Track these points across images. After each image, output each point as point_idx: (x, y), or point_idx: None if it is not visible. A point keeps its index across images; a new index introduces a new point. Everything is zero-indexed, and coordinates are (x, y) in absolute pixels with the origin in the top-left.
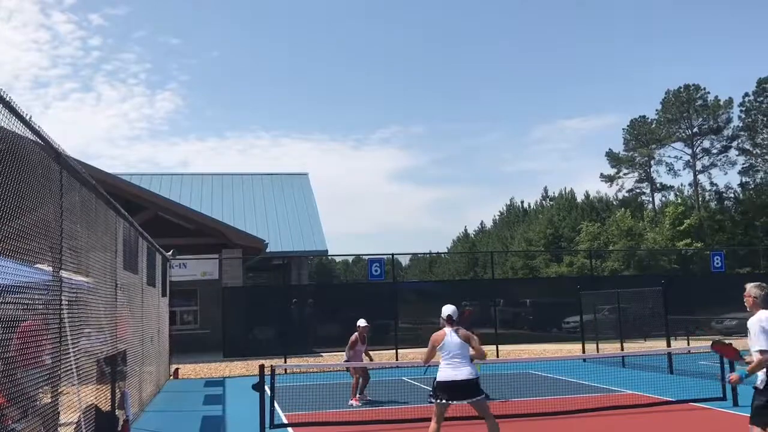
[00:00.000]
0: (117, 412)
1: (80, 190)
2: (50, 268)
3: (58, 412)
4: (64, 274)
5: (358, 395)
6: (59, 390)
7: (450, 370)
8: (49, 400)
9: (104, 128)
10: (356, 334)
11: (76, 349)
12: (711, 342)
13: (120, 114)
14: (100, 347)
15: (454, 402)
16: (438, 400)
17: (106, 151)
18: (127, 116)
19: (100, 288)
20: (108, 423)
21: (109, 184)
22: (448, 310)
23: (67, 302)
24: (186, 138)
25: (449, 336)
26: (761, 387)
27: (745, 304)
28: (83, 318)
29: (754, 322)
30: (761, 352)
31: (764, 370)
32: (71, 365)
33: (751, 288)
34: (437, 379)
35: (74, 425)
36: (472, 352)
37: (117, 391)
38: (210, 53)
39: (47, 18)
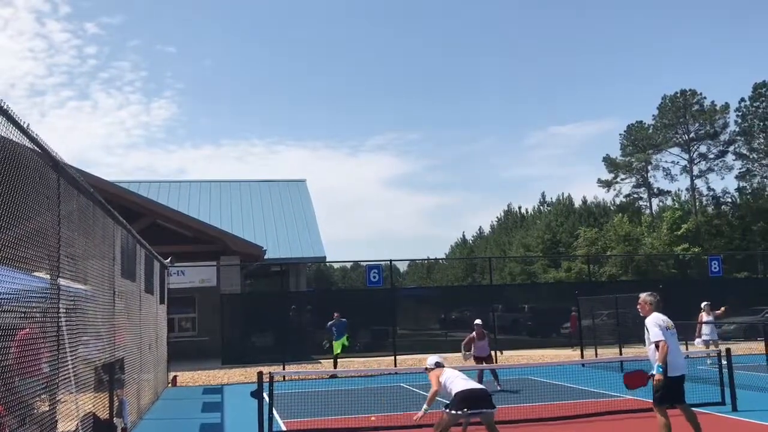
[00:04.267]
0: (115, 420)
1: (78, 198)
2: (48, 276)
3: (56, 421)
4: (62, 281)
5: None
6: (57, 398)
7: (466, 381)
8: (47, 409)
9: (101, 136)
10: (473, 333)
11: (74, 357)
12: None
13: (117, 122)
14: (99, 355)
15: (471, 411)
16: (456, 411)
17: (103, 159)
18: (123, 124)
19: (98, 296)
20: (106, 431)
21: (107, 192)
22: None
23: (65, 310)
24: (182, 145)
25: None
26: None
27: (640, 311)
28: (81, 326)
29: (649, 321)
30: (659, 342)
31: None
32: (69, 373)
33: (645, 296)
34: (456, 390)
35: None
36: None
37: (115, 399)
38: (204, 61)
39: (43, 27)
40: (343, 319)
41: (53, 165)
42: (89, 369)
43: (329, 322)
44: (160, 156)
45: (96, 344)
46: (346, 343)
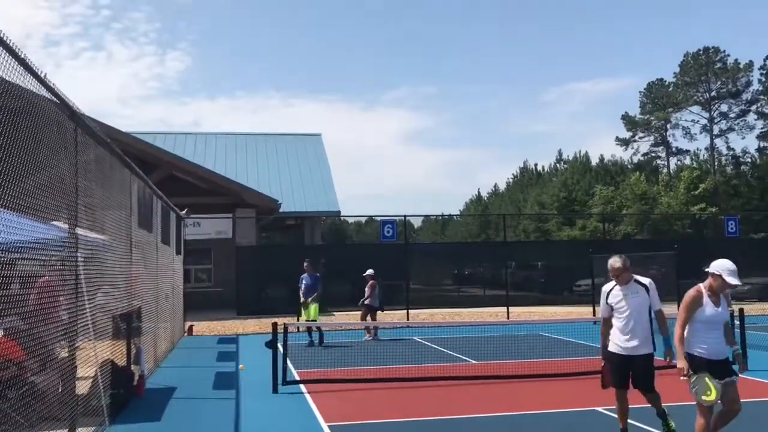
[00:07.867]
0: (132, 367)
1: (95, 148)
2: (66, 225)
3: (75, 366)
4: (79, 231)
5: None
6: (76, 345)
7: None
8: (66, 355)
9: (116, 87)
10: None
11: (93, 305)
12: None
13: (131, 73)
14: (116, 304)
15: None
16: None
17: (117, 110)
18: (138, 75)
19: (115, 245)
20: (124, 377)
21: (123, 143)
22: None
23: (83, 259)
24: (196, 98)
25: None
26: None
27: (618, 279)
28: (99, 275)
29: (651, 288)
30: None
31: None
32: (87, 321)
33: (624, 260)
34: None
35: (91, 379)
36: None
37: (132, 346)
38: (219, 12)
39: None
40: (317, 274)
41: (70, 115)
42: (107, 317)
43: (302, 275)
44: (175, 108)
45: (113, 293)
46: (317, 315)
